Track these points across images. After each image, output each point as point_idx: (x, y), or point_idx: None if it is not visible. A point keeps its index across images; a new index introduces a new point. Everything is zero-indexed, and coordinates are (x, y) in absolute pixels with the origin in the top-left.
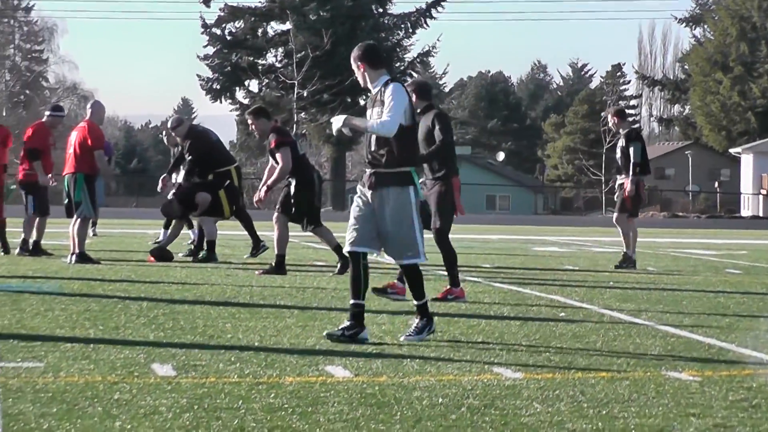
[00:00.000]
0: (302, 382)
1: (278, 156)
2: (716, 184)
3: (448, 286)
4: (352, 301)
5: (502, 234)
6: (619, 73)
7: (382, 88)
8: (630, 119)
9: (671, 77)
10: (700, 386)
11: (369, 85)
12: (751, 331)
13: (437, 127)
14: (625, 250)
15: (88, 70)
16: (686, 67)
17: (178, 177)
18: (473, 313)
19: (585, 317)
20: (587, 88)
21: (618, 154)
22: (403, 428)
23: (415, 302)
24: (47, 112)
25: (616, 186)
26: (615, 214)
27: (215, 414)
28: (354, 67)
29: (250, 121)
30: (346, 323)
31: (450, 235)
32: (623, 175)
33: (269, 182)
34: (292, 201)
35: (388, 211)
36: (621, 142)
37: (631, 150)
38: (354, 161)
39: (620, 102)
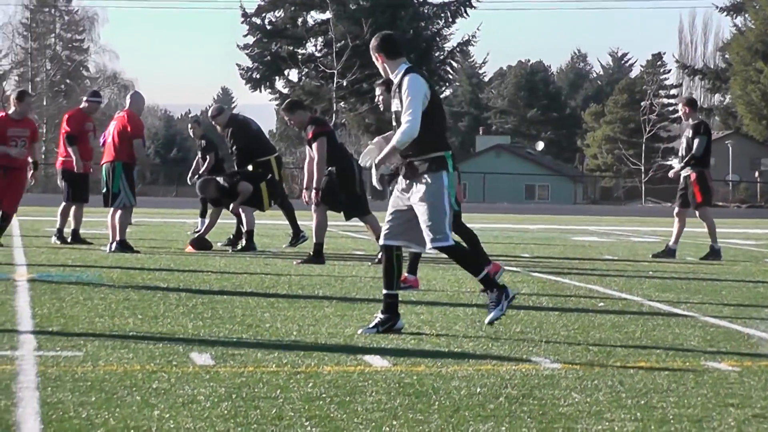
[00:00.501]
0: (340, 372)
1: (314, 147)
2: (756, 174)
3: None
4: (384, 292)
5: (541, 224)
6: (659, 63)
7: (400, 79)
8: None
9: (712, 66)
10: (740, 376)
11: (390, 76)
12: None
13: None
14: (711, 243)
15: (129, 59)
16: (727, 56)
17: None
18: (512, 303)
19: (624, 307)
20: (627, 77)
21: (683, 145)
22: (441, 418)
23: (476, 279)
24: (84, 98)
25: (670, 174)
26: (696, 212)
27: (253, 403)
28: (373, 58)
29: (286, 117)
30: (380, 316)
31: (488, 225)
32: (687, 168)
33: (315, 184)
34: (332, 189)
35: (421, 197)
36: (688, 133)
37: (696, 142)
38: None
39: (660, 91)
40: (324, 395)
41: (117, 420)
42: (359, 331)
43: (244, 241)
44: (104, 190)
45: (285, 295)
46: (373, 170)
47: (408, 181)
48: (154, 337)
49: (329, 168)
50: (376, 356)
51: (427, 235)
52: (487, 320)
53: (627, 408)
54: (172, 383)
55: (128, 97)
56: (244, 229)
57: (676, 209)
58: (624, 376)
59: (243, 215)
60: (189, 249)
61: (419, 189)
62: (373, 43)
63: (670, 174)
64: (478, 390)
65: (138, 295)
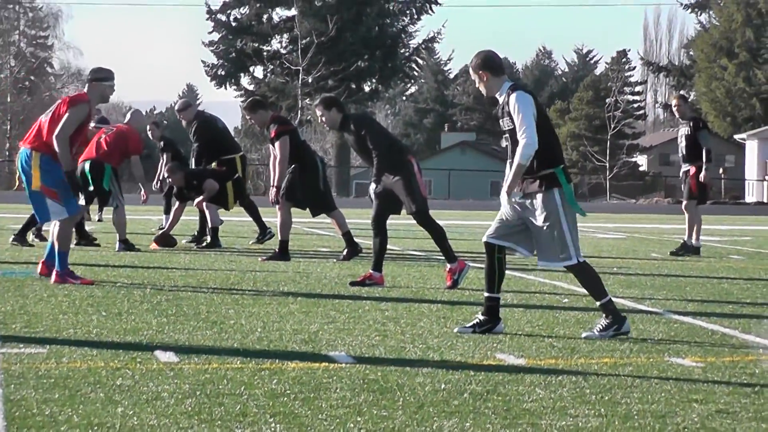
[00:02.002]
0: (305, 368)
1: (276, 146)
2: (721, 171)
3: (448, 266)
4: (485, 294)
5: None
6: (624, 60)
7: (506, 97)
8: (636, 104)
9: (676, 63)
10: (703, 372)
11: (494, 94)
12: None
13: (367, 138)
14: (685, 239)
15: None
16: (691, 53)
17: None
18: (476, 299)
19: (588, 304)
20: (592, 74)
21: (682, 143)
22: (406, 414)
23: (597, 303)
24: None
25: (681, 174)
26: (684, 201)
27: (218, 400)
28: (474, 77)
29: (248, 116)
30: (479, 317)
31: (455, 222)
32: (687, 164)
33: (275, 182)
34: (296, 187)
35: (537, 215)
36: (685, 130)
37: (701, 137)
38: None
39: (625, 88)
40: (288, 392)
41: (81, 417)
42: (455, 330)
43: (208, 238)
44: (91, 189)
45: (250, 291)
46: (504, 198)
47: (521, 198)
48: (118, 334)
49: (293, 165)
50: (340, 353)
51: (552, 254)
52: (584, 335)
53: (591, 404)
54: (136, 380)
55: (130, 114)
56: (208, 225)
57: (685, 203)
58: (588, 372)
59: (207, 212)
60: (153, 246)
61: (535, 209)
62: (476, 61)
63: (701, 178)
64: (443, 386)
65: (102, 291)
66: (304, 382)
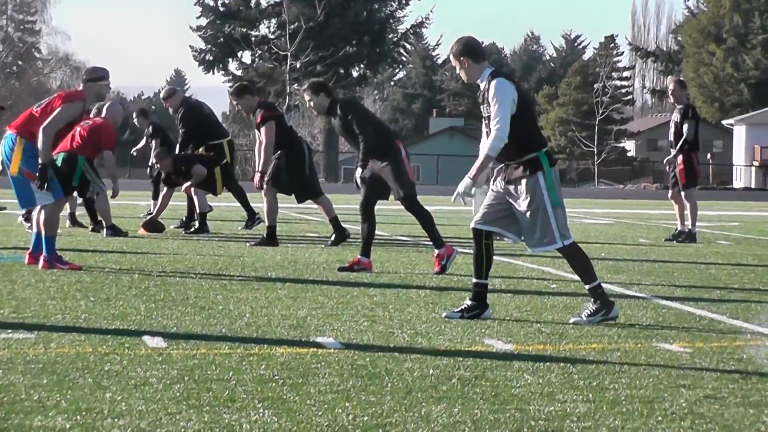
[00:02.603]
0: (293, 354)
1: (262, 131)
2: (708, 156)
3: (436, 251)
4: (473, 280)
5: None
6: (612, 45)
7: (487, 84)
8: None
9: (664, 49)
10: (691, 357)
11: (474, 81)
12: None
13: (354, 123)
14: (679, 227)
15: (81, 40)
16: (679, 38)
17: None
18: (464, 285)
19: (576, 289)
20: (580, 59)
21: (672, 129)
22: (394, 399)
23: (585, 287)
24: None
25: (665, 162)
26: (669, 191)
27: (206, 385)
28: (455, 63)
29: (234, 102)
30: (467, 303)
31: (442, 207)
32: (672, 150)
33: (260, 167)
34: (282, 172)
35: (521, 200)
36: (676, 117)
37: (685, 127)
38: None
39: (613, 73)
40: (277, 377)
41: (69, 402)
42: (443, 315)
43: (197, 223)
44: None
45: (238, 277)
46: (464, 185)
47: (505, 184)
48: (106, 319)
49: (279, 151)
50: (329, 338)
51: (537, 239)
52: (571, 320)
53: (579, 389)
54: (124, 365)
55: (106, 108)
56: (197, 211)
57: (670, 192)
58: (576, 357)
59: (195, 198)
60: (141, 231)
61: (519, 195)
62: (456, 47)
63: (664, 162)
64: (431, 372)
65: (90, 277)
66: (292, 368)
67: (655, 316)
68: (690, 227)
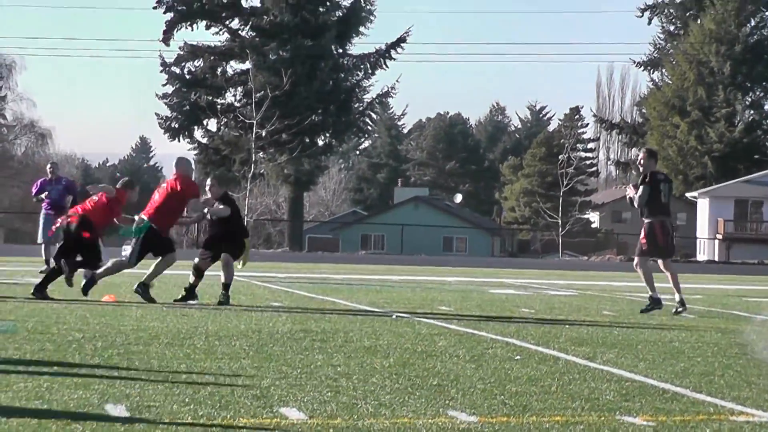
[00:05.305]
0: (256, 424)
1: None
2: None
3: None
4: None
5: (459, 276)
6: (577, 116)
7: None
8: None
9: (629, 121)
10: (654, 431)
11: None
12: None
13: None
14: (677, 297)
15: (46, 107)
16: (644, 110)
17: None
18: (429, 355)
19: (540, 360)
20: (545, 130)
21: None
22: None
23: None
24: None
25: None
26: (635, 259)
27: None
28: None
29: (210, 183)
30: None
31: (406, 277)
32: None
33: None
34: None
35: None
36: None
37: (640, 191)
38: (312, 201)
39: (578, 145)
40: None
41: None
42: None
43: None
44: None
45: (201, 346)
46: None
47: None
48: (69, 388)
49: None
50: (292, 409)
51: None
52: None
53: None
54: None
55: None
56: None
57: (661, 263)
58: (540, 429)
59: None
60: (106, 298)
61: None
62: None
63: (624, 190)
64: None
65: (53, 345)
66: None
67: (618, 389)
68: (651, 293)
